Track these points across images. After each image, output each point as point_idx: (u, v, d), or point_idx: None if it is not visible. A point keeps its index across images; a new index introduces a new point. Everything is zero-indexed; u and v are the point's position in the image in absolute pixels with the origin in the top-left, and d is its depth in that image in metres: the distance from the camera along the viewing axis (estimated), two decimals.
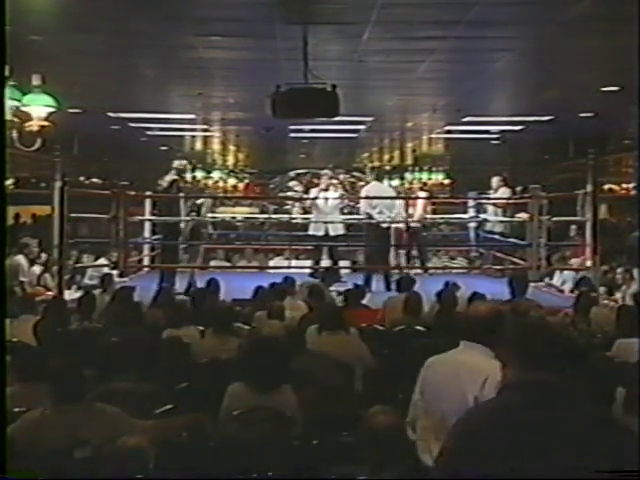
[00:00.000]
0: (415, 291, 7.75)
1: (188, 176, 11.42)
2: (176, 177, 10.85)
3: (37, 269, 11.54)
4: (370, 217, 11.18)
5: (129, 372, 4.80)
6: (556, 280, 11.94)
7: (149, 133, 16.55)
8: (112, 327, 6.20)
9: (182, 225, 11.02)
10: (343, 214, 12.79)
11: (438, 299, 7.29)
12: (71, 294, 9.39)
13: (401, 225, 12.19)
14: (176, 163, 11.13)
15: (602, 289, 10.37)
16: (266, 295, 7.92)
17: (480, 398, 3.22)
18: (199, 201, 11.64)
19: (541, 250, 10.76)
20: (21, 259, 10.92)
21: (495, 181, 13.14)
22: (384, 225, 11.14)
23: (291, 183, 23.83)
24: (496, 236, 12.45)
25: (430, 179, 22.43)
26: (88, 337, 5.69)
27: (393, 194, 12.85)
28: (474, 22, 7.23)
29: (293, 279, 8.25)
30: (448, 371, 3.54)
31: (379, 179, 12.30)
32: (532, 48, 8.60)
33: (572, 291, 10.66)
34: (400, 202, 12.25)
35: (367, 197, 11.47)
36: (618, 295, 10.71)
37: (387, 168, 22.53)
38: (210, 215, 13.35)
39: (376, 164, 22.72)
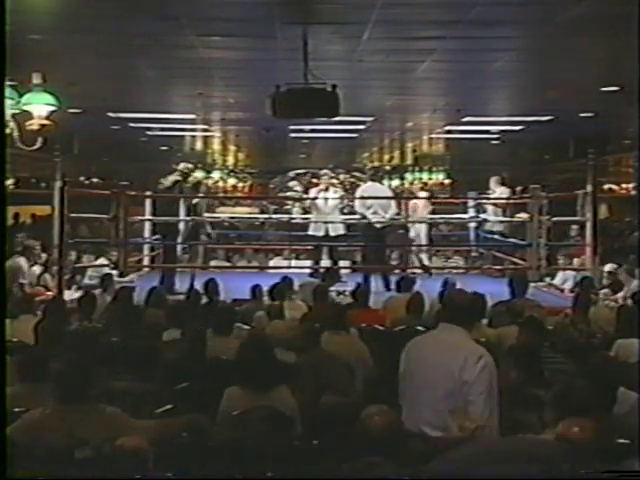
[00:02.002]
0: (418, 291, 7.74)
1: (191, 177, 11.38)
2: (179, 178, 10.86)
3: (37, 269, 11.51)
4: (364, 217, 11.18)
5: (126, 373, 4.81)
6: (557, 280, 11.92)
7: (149, 133, 16.54)
8: (111, 327, 6.20)
9: (181, 225, 11.02)
10: (343, 214, 12.79)
11: (440, 299, 7.27)
12: (71, 294, 9.39)
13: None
14: (181, 166, 11.13)
15: (602, 289, 10.37)
16: (264, 295, 7.92)
17: (462, 370, 3.81)
18: (194, 201, 11.59)
19: (541, 250, 10.76)
20: (22, 261, 10.84)
21: (493, 181, 13.15)
22: (378, 226, 11.13)
23: (291, 183, 23.83)
24: (496, 236, 12.45)
25: (430, 179, 22.43)
26: (87, 337, 5.67)
27: (389, 194, 12.84)
28: (474, 22, 7.23)
29: (291, 279, 8.25)
30: (431, 349, 4.08)
31: (376, 179, 12.30)
32: (532, 48, 8.60)
33: (572, 291, 10.66)
34: (395, 202, 12.31)
35: (362, 197, 11.47)
36: (618, 295, 10.70)
37: (387, 168, 22.56)
38: (209, 215, 13.35)
39: (376, 164, 22.73)
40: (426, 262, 12.93)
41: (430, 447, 3.57)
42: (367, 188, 11.76)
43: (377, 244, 11.31)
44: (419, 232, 13.34)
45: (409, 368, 4.12)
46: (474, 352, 3.94)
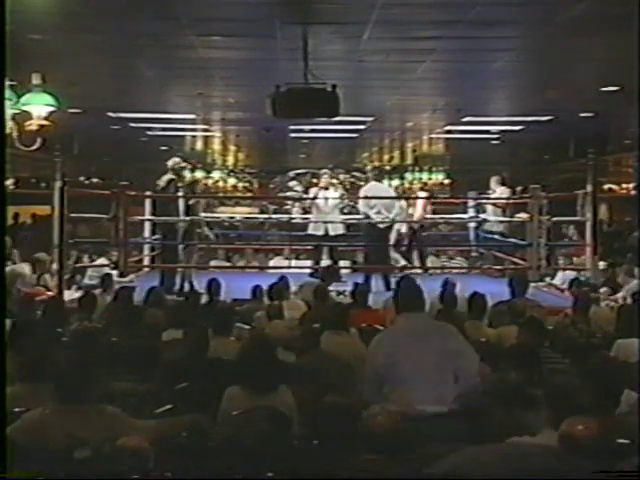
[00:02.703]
0: None
1: (187, 174, 11.19)
2: (173, 177, 10.80)
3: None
4: (368, 217, 11.18)
5: (125, 373, 4.80)
6: (557, 280, 11.92)
7: (149, 133, 16.55)
8: (111, 327, 6.20)
9: (180, 225, 10.97)
10: (343, 214, 12.78)
11: (441, 299, 7.31)
12: (71, 294, 9.37)
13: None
14: (170, 163, 11.00)
15: (602, 289, 10.38)
16: (265, 295, 7.93)
17: (445, 341, 4.35)
18: (191, 201, 11.44)
19: (541, 250, 10.75)
20: (25, 268, 10.72)
21: (493, 181, 13.14)
22: (381, 226, 11.13)
23: (291, 183, 23.83)
24: (496, 236, 12.44)
25: (430, 179, 22.43)
26: (87, 337, 5.66)
27: (392, 194, 12.81)
28: (474, 22, 7.24)
29: (287, 279, 8.20)
30: (407, 333, 4.45)
31: (378, 179, 12.26)
32: (532, 48, 8.60)
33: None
34: (402, 202, 12.27)
35: (365, 197, 11.45)
36: (618, 295, 10.70)
37: (387, 168, 22.54)
38: (207, 215, 13.31)
39: (376, 164, 22.72)
40: (402, 262, 12.76)
41: (431, 424, 3.84)
42: (370, 188, 11.75)
43: (380, 244, 11.29)
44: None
45: (391, 358, 4.36)
46: (446, 327, 4.59)
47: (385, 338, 4.67)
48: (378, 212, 11.12)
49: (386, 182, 18.79)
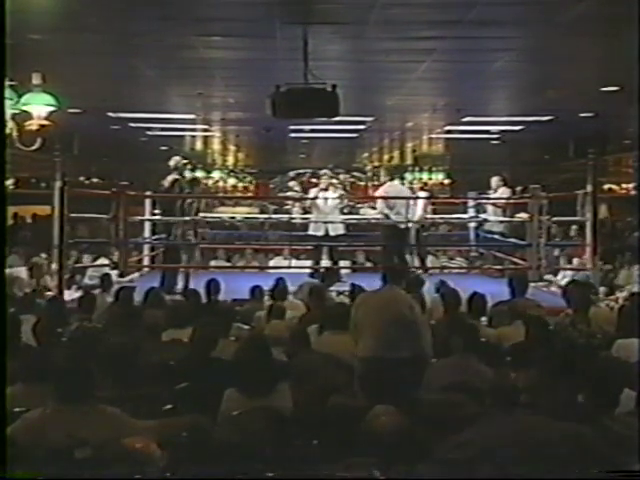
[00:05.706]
0: (418, 292, 7.74)
1: (188, 174, 11.10)
2: (177, 177, 10.78)
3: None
4: (387, 217, 11.18)
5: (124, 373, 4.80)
6: (559, 279, 11.90)
7: (149, 133, 16.55)
8: (110, 328, 6.19)
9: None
10: (343, 214, 12.77)
11: (441, 298, 7.31)
12: (71, 294, 9.37)
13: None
14: (172, 162, 10.98)
15: (602, 289, 10.37)
16: (264, 295, 7.92)
17: (410, 308, 5.46)
18: (188, 201, 11.32)
19: (541, 250, 10.75)
20: (22, 273, 10.62)
21: (494, 181, 13.13)
22: (402, 226, 11.15)
23: (291, 183, 23.83)
24: (496, 236, 12.43)
25: (430, 179, 22.43)
26: (86, 337, 5.66)
27: (409, 194, 12.76)
28: (474, 22, 7.24)
29: (284, 281, 8.13)
30: (382, 300, 5.61)
31: (393, 178, 12.28)
32: (532, 48, 8.60)
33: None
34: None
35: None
36: (618, 295, 10.69)
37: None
38: (205, 215, 13.24)
39: (376, 164, 22.74)
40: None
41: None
42: (388, 188, 11.77)
43: (400, 243, 11.27)
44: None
45: (364, 311, 5.45)
46: (408, 298, 5.68)
47: (365, 296, 5.88)
48: (397, 212, 11.14)
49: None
